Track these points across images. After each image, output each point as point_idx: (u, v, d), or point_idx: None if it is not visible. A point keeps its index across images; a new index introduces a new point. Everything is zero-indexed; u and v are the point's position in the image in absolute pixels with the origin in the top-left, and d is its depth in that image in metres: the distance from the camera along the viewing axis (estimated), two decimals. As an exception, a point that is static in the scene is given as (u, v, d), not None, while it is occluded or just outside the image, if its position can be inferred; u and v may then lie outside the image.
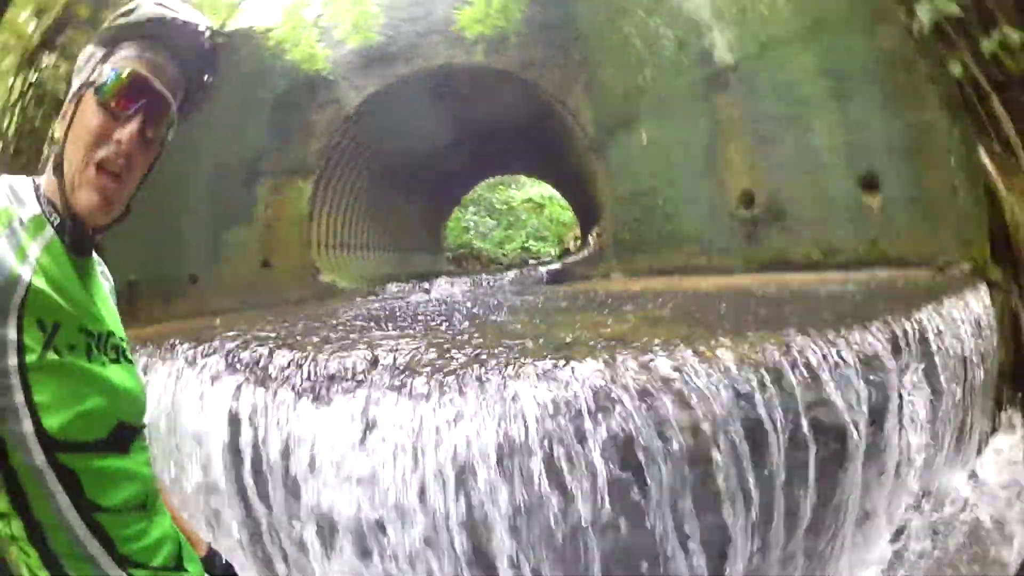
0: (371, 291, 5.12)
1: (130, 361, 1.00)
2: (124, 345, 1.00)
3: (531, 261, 8.46)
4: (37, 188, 0.92)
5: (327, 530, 1.78)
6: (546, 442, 1.56)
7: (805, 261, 3.04)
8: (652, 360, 1.71)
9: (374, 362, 1.97)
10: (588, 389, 1.62)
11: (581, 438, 1.56)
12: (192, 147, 4.69)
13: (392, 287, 5.23)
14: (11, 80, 2.93)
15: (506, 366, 1.77)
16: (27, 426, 0.80)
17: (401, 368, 1.88)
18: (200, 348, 2.50)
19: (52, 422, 0.82)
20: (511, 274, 5.99)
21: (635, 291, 3.61)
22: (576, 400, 1.61)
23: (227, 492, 2.08)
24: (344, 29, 4.52)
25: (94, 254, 1.00)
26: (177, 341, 2.74)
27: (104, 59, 0.94)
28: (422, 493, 1.60)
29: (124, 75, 0.90)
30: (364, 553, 1.71)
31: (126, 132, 0.89)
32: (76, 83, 0.94)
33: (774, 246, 3.22)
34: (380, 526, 1.66)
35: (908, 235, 2.45)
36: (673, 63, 3.36)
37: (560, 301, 3.55)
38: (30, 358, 0.80)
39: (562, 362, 1.71)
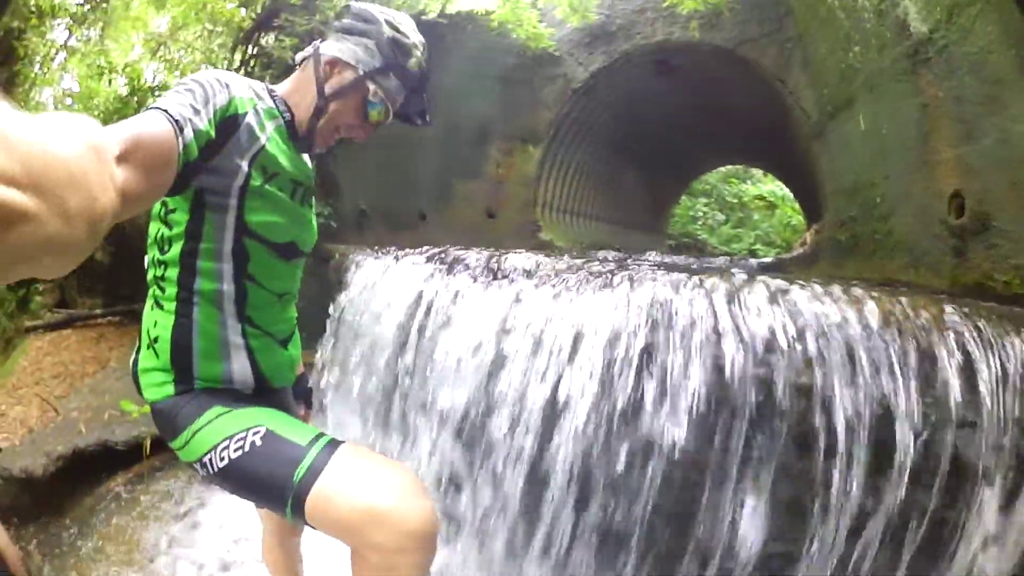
0: (583, 253, 5.38)
1: (313, 211, 1.44)
2: (314, 200, 1.46)
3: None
4: (271, 91, 1.31)
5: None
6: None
7: (1004, 292, 2.41)
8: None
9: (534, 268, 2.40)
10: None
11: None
12: (426, 109, 5.40)
13: (602, 253, 5.46)
14: (231, 53, 4.02)
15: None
16: (232, 217, 1.18)
17: (552, 275, 2.27)
18: (408, 250, 3.11)
19: (251, 218, 1.21)
20: (720, 260, 5.73)
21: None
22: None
23: (390, 351, 2.63)
24: (562, 10, 4.73)
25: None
26: (393, 247, 3.48)
27: (380, 73, 1.31)
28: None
29: (385, 113, 1.35)
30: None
31: (366, 133, 1.37)
32: (351, 58, 1.30)
33: (979, 267, 2.57)
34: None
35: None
36: (876, 36, 2.81)
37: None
38: (253, 183, 1.18)
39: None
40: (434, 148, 5.81)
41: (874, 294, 1.79)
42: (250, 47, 4.59)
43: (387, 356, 2.65)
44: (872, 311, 1.69)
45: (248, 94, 1.20)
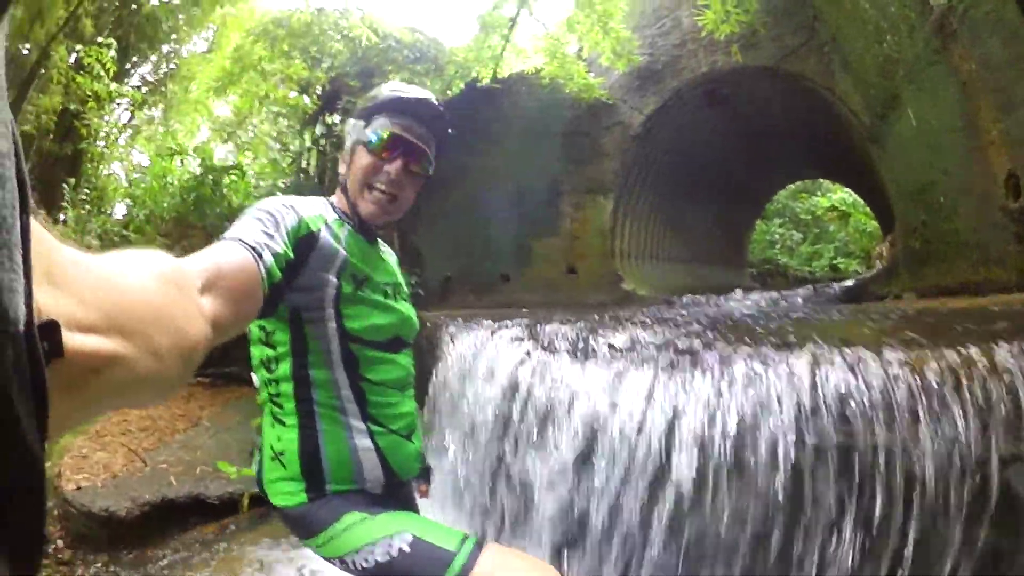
0: (668, 300, 5.37)
1: (408, 301, 1.45)
2: (406, 291, 1.48)
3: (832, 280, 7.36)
4: (332, 204, 1.36)
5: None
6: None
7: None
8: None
9: (631, 344, 2.36)
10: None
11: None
12: (496, 172, 5.79)
13: (687, 298, 5.45)
14: (299, 135, 4.68)
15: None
16: (332, 326, 1.23)
17: (647, 350, 2.22)
18: (502, 323, 3.12)
19: (352, 325, 1.25)
20: (804, 291, 5.57)
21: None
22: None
23: (492, 427, 2.61)
24: (606, 56, 4.91)
25: (379, 240, 1.45)
26: (484, 319, 3.45)
27: (366, 126, 1.33)
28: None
29: (384, 135, 1.31)
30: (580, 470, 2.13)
31: (393, 167, 1.31)
32: (348, 142, 1.37)
33: (1041, 249, 2.48)
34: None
35: None
36: (902, 19, 2.86)
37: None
38: (345, 292, 1.23)
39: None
40: (509, 210, 6.00)
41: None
42: (317, 128, 5.17)
43: (487, 437, 2.66)
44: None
45: (315, 212, 1.23)
